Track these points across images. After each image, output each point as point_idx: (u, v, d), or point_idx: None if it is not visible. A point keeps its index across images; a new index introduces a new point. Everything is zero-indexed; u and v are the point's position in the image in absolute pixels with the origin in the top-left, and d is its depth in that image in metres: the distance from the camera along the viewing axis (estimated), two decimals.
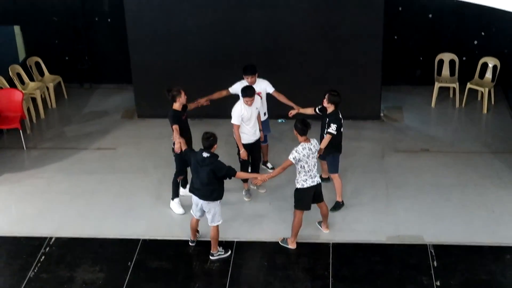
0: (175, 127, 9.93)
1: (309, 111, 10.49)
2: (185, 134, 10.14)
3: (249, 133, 10.44)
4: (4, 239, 10.06)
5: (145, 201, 10.89)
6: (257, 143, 10.68)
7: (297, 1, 12.29)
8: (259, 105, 10.48)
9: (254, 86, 10.58)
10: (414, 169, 11.57)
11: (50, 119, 13.70)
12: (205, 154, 9.12)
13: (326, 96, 10.00)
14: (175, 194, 10.57)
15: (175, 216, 10.51)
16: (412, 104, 13.74)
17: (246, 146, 10.45)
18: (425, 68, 14.05)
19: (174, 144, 10.05)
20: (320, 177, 10.65)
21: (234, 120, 10.28)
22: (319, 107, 10.29)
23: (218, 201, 9.30)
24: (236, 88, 10.80)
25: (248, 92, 10.13)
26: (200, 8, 12.49)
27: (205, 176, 9.09)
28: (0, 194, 11.21)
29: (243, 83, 10.76)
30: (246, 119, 10.27)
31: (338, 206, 10.47)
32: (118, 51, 13.85)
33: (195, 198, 9.34)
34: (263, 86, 10.88)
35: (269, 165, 11.58)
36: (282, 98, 10.96)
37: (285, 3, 12.29)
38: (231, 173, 9.22)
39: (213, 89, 12.80)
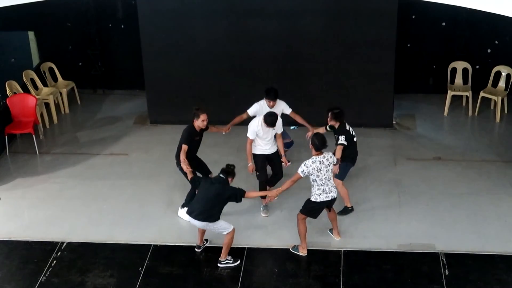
0: (184, 147, 9.99)
1: (321, 130, 10.45)
2: (190, 154, 10.15)
3: (264, 146, 10.48)
4: (16, 243, 10.11)
5: (157, 207, 10.92)
6: (274, 156, 10.62)
7: (310, 9, 12.29)
8: (281, 108, 10.63)
9: (273, 108, 10.66)
10: (426, 178, 11.53)
11: (63, 125, 13.76)
12: (221, 175, 9.33)
13: (329, 115, 10.13)
14: (187, 203, 10.58)
15: (186, 222, 10.51)
16: (424, 112, 13.71)
17: (259, 156, 10.49)
18: (438, 76, 14.02)
19: (176, 157, 10.18)
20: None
21: (249, 134, 10.37)
22: (328, 125, 10.35)
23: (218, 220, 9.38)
24: (255, 110, 10.84)
25: (269, 120, 10.15)
26: (213, 16, 12.52)
27: (212, 194, 9.19)
28: (12, 198, 11.26)
29: (261, 104, 10.79)
30: (261, 135, 10.36)
31: (346, 211, 10.50)
32: (131, 58, 13.91)
33: (195, 222, 9.40)
34: (280, 107, 10.89)
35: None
36: (298, 119, 11.04)
37: (298, 11, 12.29)
38: (240, 192, 9.30)
39: (225, 97, 12.89)
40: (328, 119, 10.21)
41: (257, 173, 10.53)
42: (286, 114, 10.98)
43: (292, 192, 11.12)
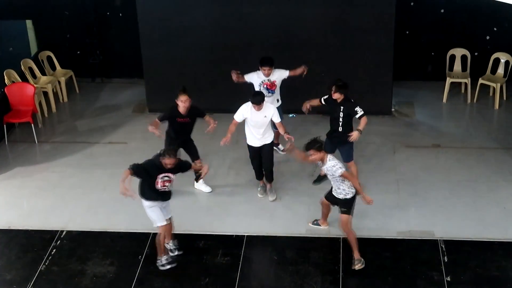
0: (156, 119, 10.18)
1: (315, 102, 10.48)
2: (177, 135, 10.27)
3: (255, 137, 10.32)
4: (15, 232, 10.11)
5: None
6: (265, 148, 10.40)
7: None
8: (272, 112, 10.16)
9: (269, 77, 10.71)
10: (425, 165, 11.54)
11: (62, 113, 13.75)
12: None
13: (333, 88, 10.01)
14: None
15: (185, 210, 10.52)
16: (423, 99, 13.70)
17: (249, 147, 10.44)
18: (437, 63, 14.00)
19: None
20: (319, 176, 10.73)
21: (236, 115, 10.23)
22: (325, 97, 10.29)
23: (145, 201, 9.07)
24: (251, 76, 10.94)
25: (255, 100, 9.96)
26: (212, 3, 12.49)
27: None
28: (11, 187, 11.27)
29: (259, 73, 10.86)
30: (253, 123, 10.19)
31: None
32: (130, 46, 13.88)
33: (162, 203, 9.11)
34: (277, 75, 10.97)
35: (280, 147, 11.73)
36: (292, 73, 11.11)
37: None
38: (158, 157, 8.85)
39: (223, 84, 12.86)
40: (332, 91, 10.04)
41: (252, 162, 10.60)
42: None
43: (290, 179, 11.14)
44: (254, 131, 10.22)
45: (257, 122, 10.12)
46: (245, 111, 10.10)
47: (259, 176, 10.73)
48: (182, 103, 10.06)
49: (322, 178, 10.70)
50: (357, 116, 10.10)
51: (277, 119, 10.20)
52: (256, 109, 10.01)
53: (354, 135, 10.10)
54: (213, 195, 10.86)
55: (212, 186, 10.98)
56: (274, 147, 11.51)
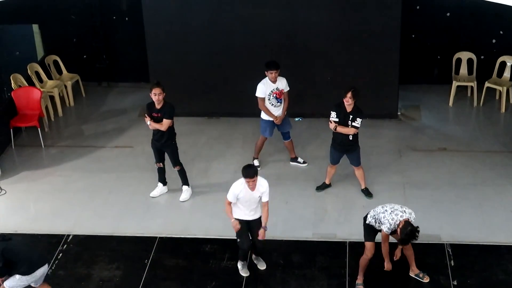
0: (147, 118, 10.34)
1: (351, 131, 10.14)
2: (154, 133, 10.45)
3: (243, 213, 9.03)
4: (22, 236, 10.09)
5: (162, 199, 10.93)
6: (255, 223, 9.10)
7: (315, 0, 12.26)
8: (264, 190, 8.90)
9: (277, 84, 10.78)
10: (431, 168, 11.52)
11: (68, 117, 13.77)
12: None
13: (349, 94, 9.88)
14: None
15: (191, 214, 10.53)
16: (429, 103, 13.68)
17: (240, 221, 8.96)
18: (443, 66, 13.98)
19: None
20: (324, 184, 10.70)
21: (228, 195, 8.88)
22: (335, 107, 10.16)
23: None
24: (262, 90, 10.92)
25: (246, 173, 8.66)
26: (218, 7, 12.50)
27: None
28: (18, 192, 11.28)
29: (265, 82, 10.88)
30: (243, 201, 8.90)
31: (368, 192, 10.69)
32: (136, 50, 13.91)
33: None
34: (283, 83, 10.98)
35: (300, 160, 11.64)
36: (285, 103, 11.05)
37: (303, 2, 12.26)
38: None
39: (229, 87, 12.88)
40: (348, 96, 9.85)
41: (238, 240, 9.11)
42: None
43: (296, 183, 11.14)
44: (244, 208, 9.00)
45: (249, 201, 8.92)
46: (237, 191, 8.81)
47: (244, 256, 9.37)
48: (154, 96, 10.10)
49: (326, 186, 10.76)
50: (353, 124, 10.03)
51: (265, 198, 8.94)
52: (250, 185, 8.68)
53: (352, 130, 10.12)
54: (219, 199, 10.83)
55: (217, 190, 10.97)
56: (293, 162, 11.53)
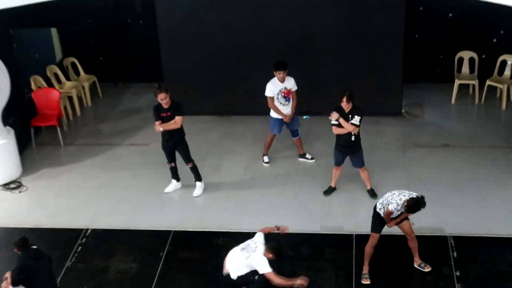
0: (156, 123, 10.29)
1: (350, 128, 10.06)
2: (165, 133, 10.45)
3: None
4: (43, 230, 10.19)
5: (176, 195, 10.97)
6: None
7: (321, 3, 12.26)
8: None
9: (285, 84, 10.84)
10: (435, 164, 11.51)
11: (86, 117, 13.83)
12: (34, 247, 8.25)
13: (344, 99, 9.86)
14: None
15: (204, 208, 10.56)
16: (432, 100, 13.65)
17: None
18: (446, 65, 13.94)
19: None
20: (330, 187, 10.69)
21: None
22: (336, 109, 10.15)
23: None
24: (270, 90, 10.98)
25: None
26: (229, 9, 12.51)
27: (50, 265, 8.37)
28: (39, 188, 11.35)
29: (274, 82, 10.89)
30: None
31: (373, 192, 10.59)
32: (150, 51, 13.93)
33: None
34: (291, 83, 11.02)
35: (308, 156, 11.65)
36: (294, 102, 11.12)
37: (311, 4, 12.25)
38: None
39: (240, 86, 12.89)
40: (344, 101, 9.84)
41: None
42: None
43: (305, 178, 11.16)
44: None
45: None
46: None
47: None
48: (162, 101, 10.15)
49: (332, 189, 10.76)
50: (351, 121, 9.96)
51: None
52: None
53: (351, 127, 10.05)
54: (231, 195, 10.89)
55: (229, 185, 11.01)
56: (301, 158, 11.56)
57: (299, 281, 8.33)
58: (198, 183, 10.88)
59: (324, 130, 12.10)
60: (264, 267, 8.26)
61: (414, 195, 8.52)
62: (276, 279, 8.25)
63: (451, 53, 13.69)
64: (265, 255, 8.31)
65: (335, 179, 10.73)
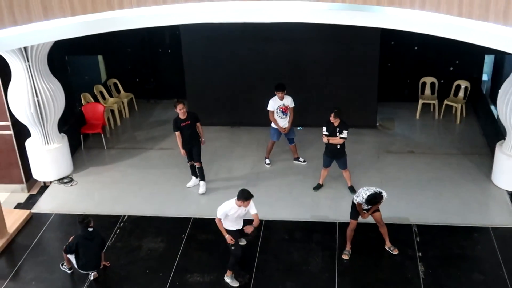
0: (176, 134, 10.19)
1: (336, 140, 10.06)
2: (185, 136, 10.30)
3: (232, 224, 8.48)
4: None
5: (195, 189, 10.95)
6: (242, 230, 8.49)
7: (313, 37, 12.24)
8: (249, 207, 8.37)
9: (283, 101, 10.80)
10: (402, 167, 11.47)
11: (125, 126, 13.83)
12: (90, 229, 8.39)
13: (332, 115, 9.89)
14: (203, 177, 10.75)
15: (217, 200, 10.49)
16: (401, 116, 13.61)
17: (230, 231, 8.42)
18: (412, 88, 13.91)
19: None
20: (318, 184, 10.64)
21: (218, 213, 8.28)
22: (326, 123, 10.09)
23: None
24: (271, 105, 10.94)
25: (241, 195, 8.13)
26: (240, 41, 12.51)
27: (97, 247, 8.55)
28: (86, 183, 11.37)
29: (275, 99, 10.85)
30: (231, 216, 8.34)
31: (353, 189, 10.52)
32: (176, 75, 13.92)
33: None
34: (289, 101, 10.98)
35: (301, 159, 11.58)
36: (290, 116, 11.04)
37: (303, 38, 12.23)
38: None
39: (247, 103, 12.87)
40: (332, 117, 9.85)
41: (233, 248, 8.37)
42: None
43: (298, 175, 11.13)
44: (233, 221, 8.43)
45: (239, 216, 8.41)
46: (228, 210, 8.25)
47: (236, 264, 8.47)
48: (180, 110, 10.09)
49: (320, 186, 10.71)
50: (340, 135, 9.98)
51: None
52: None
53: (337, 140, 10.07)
54: (236, 187, 10.85)
55: (237, 182, 10.99)
56: (295, 161, 11.52)
57: (228, 236, 8.31)
58: (201, 183, 10.81)
59: (315, 139, 12.09)
60: (217, 212, 8.30)
61: (376, 190, 8.51)
62: (217, 223, 8.37)
63: (416, 78, 13.67)
64: (236, 203, 8.22)
65: (323, 178, 10.72)
